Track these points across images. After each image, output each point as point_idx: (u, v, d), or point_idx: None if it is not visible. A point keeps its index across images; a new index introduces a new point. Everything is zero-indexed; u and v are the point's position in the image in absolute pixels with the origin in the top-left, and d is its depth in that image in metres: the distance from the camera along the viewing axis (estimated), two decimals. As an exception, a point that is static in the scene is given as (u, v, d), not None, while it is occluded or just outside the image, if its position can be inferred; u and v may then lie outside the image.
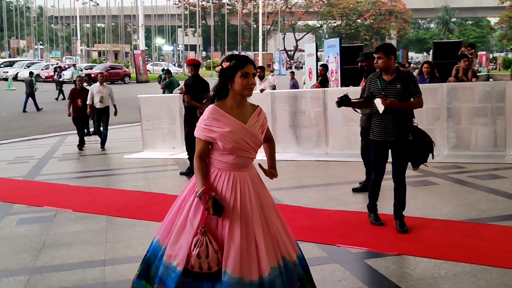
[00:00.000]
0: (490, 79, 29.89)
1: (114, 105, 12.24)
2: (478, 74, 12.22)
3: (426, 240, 5.11)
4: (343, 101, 5.37)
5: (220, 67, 3.32)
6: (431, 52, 19.12)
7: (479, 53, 47.45)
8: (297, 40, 76.75)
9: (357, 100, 5.69)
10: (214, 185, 3.24)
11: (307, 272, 3.37)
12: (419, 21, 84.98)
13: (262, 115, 3.41)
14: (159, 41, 77.07)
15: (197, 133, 3.28)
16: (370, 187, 5.63)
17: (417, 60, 56.55)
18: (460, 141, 9.44)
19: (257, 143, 3.32)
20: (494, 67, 55.86)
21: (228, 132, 3.20)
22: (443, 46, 16.70)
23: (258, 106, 3.43)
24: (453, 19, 75.51)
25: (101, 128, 12.35)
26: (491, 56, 61.35)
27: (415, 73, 10.47)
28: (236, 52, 67.25)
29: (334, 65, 14.96)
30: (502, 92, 9.08)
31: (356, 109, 5.98)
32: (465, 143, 9.46)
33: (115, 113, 12.33)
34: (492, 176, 7.69)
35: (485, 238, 5.09)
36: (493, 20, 69.41)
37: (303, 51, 19.45)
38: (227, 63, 3.25)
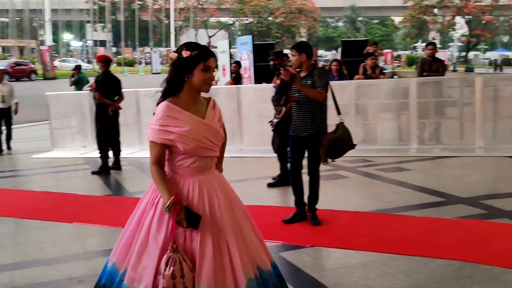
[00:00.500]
0: (395, 76, 31.34)
1: (16, 103, 11.67)
2: (384, 71, 12.78)
3: (338, 231, 5.31)
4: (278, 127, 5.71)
5: (176, 54, 2.90)
6: (339, 50, 19.74)
7: (385, 51, 49.56)
8: (209, 37, 76.61)
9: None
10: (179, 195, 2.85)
11: (282, 282, 3.13)
12: (328, 19, 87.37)
13: (217, 108, 3.07)
14: (67, 36, 74.34)
15: (151, 136, 2.86)
16: (291, 183, 5.72)
17: (326, 58, 58.15)
18: (368, 136, 9.84)
19: (219, 139, 3.01)
20: (399, 64, 58.51)
21: (188, 131, 2.83)
22: (350, 44, 17.30)
23: (211, 98, 3.08)
24: (360, 18, 78.23)
25: (3, 128, 11.74)
26: (395, 54, 64.22)
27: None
28: (148, 49, 66.15)
29: (247, 62, 15.09)
30: (406, 89, 9.56)
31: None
32: (372, 137, 9.88)
33: (16, 112, 11.76)
34: (397, 169, 8.08)
35: (392, 227, 5.36)
36: (397, 19, 72.65)
37: (216, 48, 19.46)
38: (188, 52, 2.84)
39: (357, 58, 12.85)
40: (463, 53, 66.79)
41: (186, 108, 2.89)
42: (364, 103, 9.80)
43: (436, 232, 5.16)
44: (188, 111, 2.88)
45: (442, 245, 4.79)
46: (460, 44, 70.12)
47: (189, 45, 2.90)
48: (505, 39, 77.05)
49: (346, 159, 8.54)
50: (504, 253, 4.55)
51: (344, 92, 9.44)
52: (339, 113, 5.52)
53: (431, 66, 9.76)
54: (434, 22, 64.48)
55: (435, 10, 62.80)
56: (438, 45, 11.96)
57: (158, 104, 2.92)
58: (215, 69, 2.95)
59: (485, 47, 72.04)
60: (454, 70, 49.41)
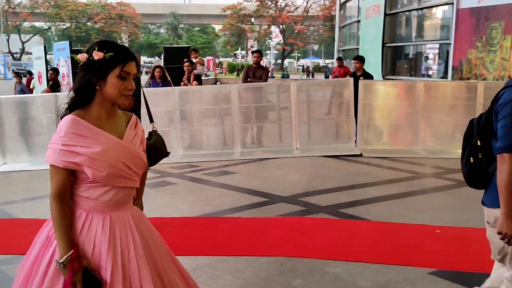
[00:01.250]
0: (218, 83, 32.22)
1: None
2: (207, 78, 13.05)
3: (167, 238, 5.29)
4: None
5: (85, 55, 2.30)
6: (162, 57, 19.75)
7: (207, 58, 50.64)
8: (23, 43, 71.65)
9: None
10: (82, 240, 2.28)
11: None
12: (150, 26, 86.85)
13: (140, 127, 2.51)
14: None
15: (51, 158, 2.26)
16: None
17: (150, 65, 57.81)
18: (194, 141, 9.98)
19: (140, 166, 2.42)
20: (221, 71, 60.22)
21: (100, 153, 2.25)
22: (173, 51, 17.44)
23: (132, 115, 2.52)
24: (181, 25, 78.97)
25: None
26: (217, 61, 65.96)
27: (148, 77, 10.71)
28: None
29: (65, 69, 14.42)
30: (228, 95, 9.88)
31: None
32: (198, 143, 10.03)
33: None
34: (223, 173, 8.31)
35: (220, 230, 5.49)
36: (218, 27, 74.72)
37: (31, 53, 18.26)
38: (100, 54, 2.26)
39: (180, 65, 12.96)
40: (279, 61, 70.77)
41: (98, 125, 2.31)
42: (189, 109, 9.92)
43: (261, 231, 5.40)
44: (101, 128, 2.31)
45: (267, 243, 5.02)
46: (276, 52, 74.27)
47: (103, 45, 2.31)
48: (316, 47, 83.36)
49: (173, 165, 8.56)
50: (321, 246, 4.92)
51: (168, 99, 9.46)
52: (151, 120, 5.49)
53: (255, 73, 10.24)
54: (251, 31, 67.45)
55: (252, 19, 65.76)
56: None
57: (61, 118, 2.33)
58: (135, 76, 2.37)
59: (298, 55, 77.20)
60: (272, 77, 52.20)
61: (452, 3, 14.78)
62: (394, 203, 6.37)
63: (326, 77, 42.38)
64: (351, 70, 13.33)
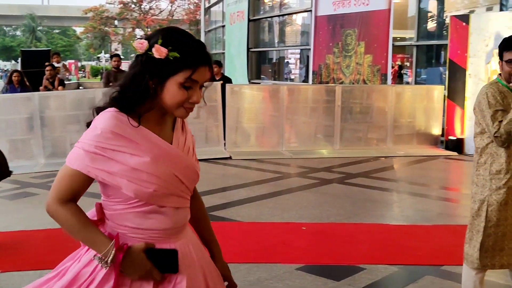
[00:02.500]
0: (81, 87, 30.96)
1: None
2: (69, 82, 12.53)
3: (31, 252, 5.02)
4: None
5: (144, 44, 1.69)
6: (19, 60, 18.62)
7: (68, 61, 48.53)
8: None
9: None
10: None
11: None
12: (5, 28, 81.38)
13: (189, 130, 1.94)
14: None
15: (75, 161, 1.71)
16: None
17: (6, 68, 54.12)
18: (57, 149, 9.50)
19: (193, 180, 1.91)
20: (84, 75, 57.97)
21: (148, 163, 1.70)
22: (31, 54, 16.52)
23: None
24: (40, 28, 74.93)
25: None
26: (80, 64, 63.43)
27: (4, 81, 10.07)
28: None
29: None
30: (92, 100, 9.54)
31: None
32: (61, 151, 9.57)
33: None
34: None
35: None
36: (79, 30, 71.87)
37: None
38: (163, 50, 1.65)
39: (39, 69, 12.32)
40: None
41: (147, 126, 1.75)
42: (50, 115, 9.45)
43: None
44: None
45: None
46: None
47: (170, 37, 1.69)
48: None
49: (35, 175, 8.12)
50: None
51: (27, 105, 8.95)
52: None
53: (116, 77, 10.05)
54: (115, 34, 65.75)
55: (116, 22, 64.15)
56: (121, 56, 12.35)
57: (97, 111, 1.77)
58: (204, 86, 1.76)
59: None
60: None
61: (311, 11, 15.57)
62: (263, 203, 6.58)
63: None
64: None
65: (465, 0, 13.31)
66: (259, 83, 18.32)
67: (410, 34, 13.45)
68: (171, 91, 1.69)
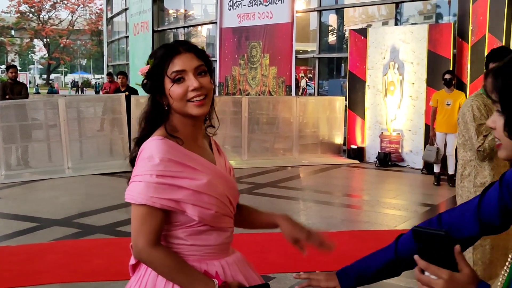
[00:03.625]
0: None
1: None
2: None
3: None
4: None
5: (145, 69, 1.78)
6: None
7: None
8: None
9: None
10: None
11: None
12: None
13: (223, 151, 2.01)
14: None
15: (143, 196, 1.67)
16: None
17: None
18: None
19: (236, 198, 1.90)
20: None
21: (206, 185, 1.72)
22: None
23: (208, 133, 1.95)
24: None
25: None
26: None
27: None
28: None
29: None
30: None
31: None
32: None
33: None
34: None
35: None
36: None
37: None
38: (145, 67, 1.77)
39: None
40: (45, 75, 66.96)
41: (191, 148, 1.77)
42: None
43: (33, 259, 5.04)
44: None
45: (41, 271, 4.71)
46: (41, 66, 70.12)
47: (152, 53, 1.80)
48: (84, 62, 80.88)
49: None
50: (101, 267, 4.78)
51: None
52: None
53: (13, 89, 9.57)
54: (11, 44, 62.68)
55: (12, 32, 61.17)
56: (19, 68, 11.82)
57: (137, 143, 1.80)
58: (200, 72, 1.75)
59: (66, 69, 73.98)
60: (37, 93, 49.12)
61: (216, 22, 15.66)
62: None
63: (97, 92, 41.33)
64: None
65: (362, 15, 13.95)
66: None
67: (312, 47, 13.89)
68: (170, 92, 1.72)
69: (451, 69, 8.95)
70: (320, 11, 13.40)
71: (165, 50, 1.75)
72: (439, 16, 12.27)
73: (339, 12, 13.88)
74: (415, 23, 11.83)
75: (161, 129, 1.75)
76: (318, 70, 13.46)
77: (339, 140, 11.09)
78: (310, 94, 14.32)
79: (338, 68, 14.37)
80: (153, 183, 1.66)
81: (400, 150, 10.05)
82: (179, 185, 1.68)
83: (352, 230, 6.05)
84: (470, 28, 9.07)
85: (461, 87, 8.90)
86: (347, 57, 11.13)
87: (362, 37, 10.57)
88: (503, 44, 8.39)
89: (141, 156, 1.71)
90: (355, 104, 10.71)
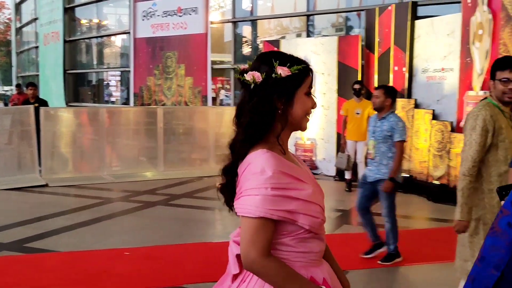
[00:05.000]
0: None
1: None
2: None
3: None
4: None
5: (259, 74, 1.78)
6: None
7: None
8: None
9: None
10: None
11: None
12: None
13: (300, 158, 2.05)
14: None
15: (259, 209, 1.69)
16: None
17: None
18: None
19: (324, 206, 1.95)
20: None
21: (313, 195, 1.78)
22: None
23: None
24: None
25: None
26: None
27: None
28: None
29: None
30: None
31: None
32: None
33: None
34: None
35: None
36: None
37: None
38: (287, 69, 1.78)
39: None
40: None
41: (288, 159, 1.83)
42: None
43: None
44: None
45: None
46: None
47: (283, 57, 1.82)
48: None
49: None
50: (8, 286, 4.57)
51: None
52: None
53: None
54: None
55: None
56: None
57: (240, 156, 1.79)
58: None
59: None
60: None
61: (129, 33, 15.44)
62: (84, 231, 6.31)
63: (6, 104, 39.46)
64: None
65: (277, 27, 14.23)
66: (78, 106, 17.63)
67: (228, 57, 14.00)
68: (301, 102, 1.80)
69: (359, 79, 9.31)
70: (234, 22, 13.55)
71: (307, 64, 1.84)
72: (349, 28, 12.75)
73: (254, 23, 14.10)
74: (327, 35, 12.22)
75: (266, 139, 1.79)
76: (234, 80, 13.58)
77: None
78: (228, 105, 14.42)
79: (254, 79, 14.54)
80: (269, 195, 1.69)
81: (314, 158, 10.31)
82: (291, 196, 1.72)
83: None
84: (377, 40, 9.49)
85: (370, 96, 9.27)
86: (261, 67, 11.28)
87: (276, 49, 10.78)
88: (406, 55, 8.84)
89: (251, 171, 1.73)
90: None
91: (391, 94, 5.20)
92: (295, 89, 1.80)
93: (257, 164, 1.72)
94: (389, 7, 9.28)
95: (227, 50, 14.22)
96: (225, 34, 14.31)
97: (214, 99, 14.07)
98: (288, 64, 1.79)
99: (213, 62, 13.47)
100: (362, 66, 9.72)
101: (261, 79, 1.77)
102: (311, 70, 1.85)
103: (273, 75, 1.77)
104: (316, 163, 10.29)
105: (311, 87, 1.85)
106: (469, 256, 3.41)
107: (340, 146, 8.90)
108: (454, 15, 8.19)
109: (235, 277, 1.84)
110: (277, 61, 1.78)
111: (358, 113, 8.47)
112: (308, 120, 1.87)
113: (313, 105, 1.86)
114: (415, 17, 8.94)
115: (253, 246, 1.70)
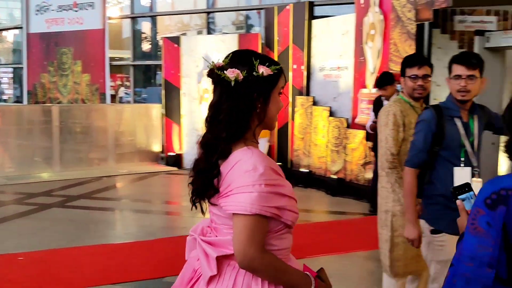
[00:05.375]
0: None
1: None
2: None
3: None
4: None
5: (240, 74, 1.78)
6: None
7: None
8: None
9: None
10: None
11: None
12: None
13: None
14: None
15: (257, 206, 1.69)
16: None
17: None
18: None
19: None
20: None
21: (291, 190, 1.82)
22: None
23: None
24: None
25: None
26: None
27: None
28: None
29: None
30: None
31: None
32: None
33: None
34: None
35: None
36: None
37: None
38: (266, 68, 1.80)
39: None
40: None
41: None
42: None
43: None
44: None
45: None
46: None
47: (261, 57, 1.84)
48: None
49: None
50: None
51: None
52: None
53: None
54: None
55: None
56: None
57: (221, 153, 1.79)
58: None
59: None
60: None
61: (22, 27, 14.68)
62: (-28, 237, 5.93)
63: None
64: None
65: (178, 24, 14.12)
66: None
67: (127, 54, 13.69)
68: (275, 101, 1.85)
69: (261, 77, 9.42)
70: (133, 18, 13.27)
71: (279, 64, 1.88)
72: (250, 26, 12.91)
73: (154, 20, 13.88)
74: (228, 33, 12.29)
75: (244, 137, 1.81)
76: (134, 77, 13.31)
77: (157, 147, 11.06)
78: (128, 102, 14.12)
79: (155, 76, 14.37)
80: (264, 192, 1.70)
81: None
82: (280, 193, 1.76)
83: (171, 236, 6.06)
84: (276, 38, 9.68)
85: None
86: (162, 64, 11.16)
87: (176, 45, 10.68)
88: (304, 53, 9.08)
89: (242, 168, 1.73)
90: (172, 112, 10.77)
91: None
92: (272, 89, 1.84)
93: (248, 162, 1.73)
94: (287, 6, 9.49)
95: (126, 47, 13.90)
96: (124, 30, 13.99)
97: (113, 96, 13.71)
98: (267, 63, 1.83)
99: (112, 59, 13.12)
100: (262, 64, 9.84)
101: (242, 77, 1.78)
102: (283, 71, 1.90)
103: (255, 74, 1.79)
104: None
105: (283, 88, 1.90)
106: (380, 247, 3.49)
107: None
108: (349, 15, 8.52)
109: (211, 279, 1.81)
110: (258, 60, 1.81)
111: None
112: (277, 119, 1.93)
113: (282, 105, 1.92)
114: (312, 16, 9.20)
115: (252, 243, 1.71)
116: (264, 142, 8.52)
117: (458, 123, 2.91)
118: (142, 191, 8.79)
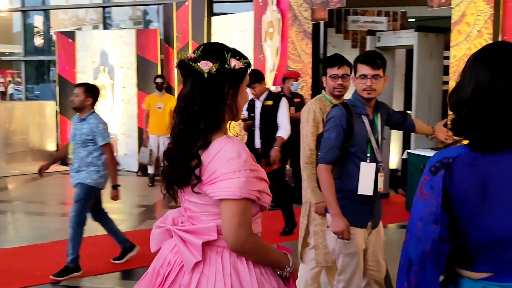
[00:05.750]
0: None
1: None
2: None
3: None
4: None
5: (209, 63, 1.81)
6: None
7: None
8: None
9: None
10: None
11: None
12: None
13: None
14: None
15: (245, 190, 1.75)
16: None
17: None
18: None
19: None
20: None
21: (265, 175, 1.88)
22: None
23: None
24: None
25: None
26: None
27: None
28: None
29: None
30: None
31: None
32: None
33: None
34: None
35: None
36: None
37: None
38: (237, 61, 1.84)
39: None
40: None
41: None
42: None
43: None
44: None
45: None
46: None
47: (231, 50, 1.88)
48: None
49: None
50: None
51: None
52: None
53: None
54: None
55: None
56: None
57: (202, 145, 1.82)
58: None
59: None
60: None
61: None
62: None
63: None
64: None
65: (73, 18, 13.59)
66: None
67: (18, 49, 12.99)
68: (242, 94, 1.91)
69: (159, 73, 9.31)
70: (24, 11, 12.61)
71: (247, 57, 1.93)
72: (148, 22, 12.67)
73: (47, 13, 13.27)
74: (125, 28, 12.00)
75: (218, 130, 1.85)
76: (26, 73, 12.65)
77: (51, 146, 10.59)
78: (20, 99, 13.41)
79: (49, 72, 13.75)
80: (250, 177, 1.77)
81: (115, 154, 10.05)
82: (259, 177, 1.83)
83: (66, 239, 5.82)
84: (175, 34, 9.58)
85: (170, 90, 9.34)
86: (56, 60, 10.70)
87: (70, 40, 10.28)
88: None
89: (226, 156, 1.78)
90: (67, 109, 10.33)
91: (92, 92, 4.78)
92: (241, 81, 1.91)
93: (231, 149, 1.79)
94: (186, 2, 9.43)
95: (16, 41, 13.18)
96: (14, 24, 13.26)
97: (3, 93, 12.96)
98: (238, 57, 1.88)
99: (1, 54, 12.39)
100: (162, 60, 9.74)
101: (215, 69, 1.82)
102: (251, 65, 1.95)
103: (227, 67, 1.84)
104: (118, 159, 10.06)
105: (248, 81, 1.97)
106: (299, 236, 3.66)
107: (143, 140, 8.81)
108: (247, 13, 8.61)
109: (195, 266, 1.82)
110: (229, 53, 1.85)
111: (160, 107, 8.46)
112: (242, 111, 2.00)
113: (248, 98, 2.03)
114: (211, 13, 9.20)
115: (242, 227, 1.78)
116: (164, 139, 8.39)
117: (365, 120, 3.02)
118: (35, 192, 8.39)
